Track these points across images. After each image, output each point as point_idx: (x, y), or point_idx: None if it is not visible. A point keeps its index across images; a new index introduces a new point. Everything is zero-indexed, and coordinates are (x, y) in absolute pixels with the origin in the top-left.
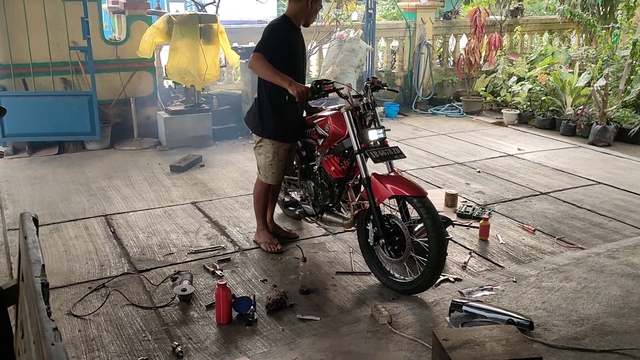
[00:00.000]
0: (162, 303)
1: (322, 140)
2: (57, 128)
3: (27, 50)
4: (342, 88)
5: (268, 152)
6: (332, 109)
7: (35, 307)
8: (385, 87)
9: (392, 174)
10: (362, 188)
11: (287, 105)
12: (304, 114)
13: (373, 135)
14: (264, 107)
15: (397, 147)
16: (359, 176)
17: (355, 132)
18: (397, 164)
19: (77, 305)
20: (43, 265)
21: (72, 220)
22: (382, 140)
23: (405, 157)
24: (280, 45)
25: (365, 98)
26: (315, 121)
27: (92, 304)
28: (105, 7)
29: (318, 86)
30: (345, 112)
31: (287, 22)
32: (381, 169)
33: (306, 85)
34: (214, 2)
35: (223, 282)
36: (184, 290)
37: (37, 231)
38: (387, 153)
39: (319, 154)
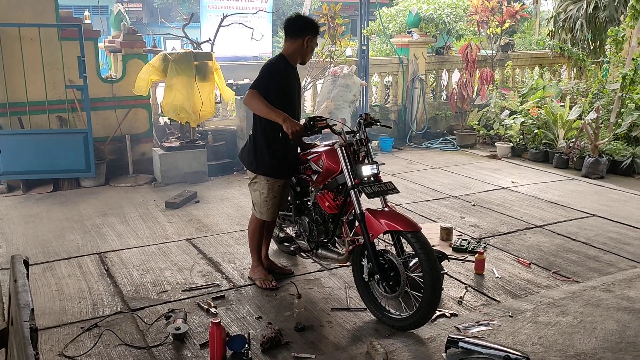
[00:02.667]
0: (155, 342)
1: (316, 176)
2: (52, 165)
3: (24, 89)
4: (335, 124)
5: (263, 189)
6: (325, 145)
7: (24, 353)
8: (378, 123)
9: (386, 209)
10: (357, 223)
11: (282, 141)
12: (298, 150)
13: (367, 170)
14: (259, 144)
15: (390, 182)
16: (353, 211)
17: (349, 167)
18: (392, 197)
19: (69, 345)
20: (32, 310)
21: (65, 259)
22: (376, 176)
23: (399, 192)
24: (277, 84)
25: (358, 134)
26: (309, 157)
27: (85, 344)
28: (102, 46)
29: (312, 123)
30: (338, 148)
31: (283, 61)
32: (376, 203)
33: (300, 121)
34: (209, 40)
35: (217, 321)
36: (178, 329)
37: (28, 274)
38: (381, 188)
39: (313, 189)
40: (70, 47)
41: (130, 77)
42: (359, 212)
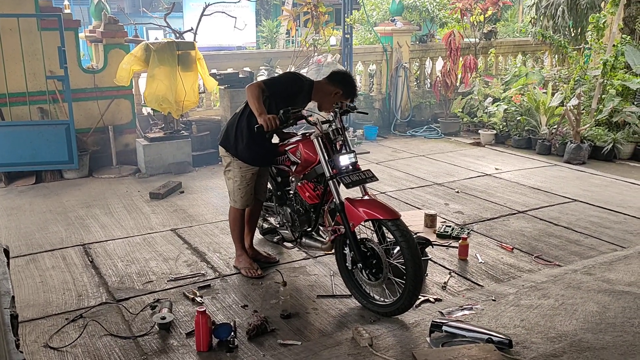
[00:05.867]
0: (141, 332)
1: (295, 166)
2: (35, 157)
3: (4, 80)
4: (310, 115)
5: (236, 176)
6: (302, 135)
7: (4, 339)
8: (354, 110)
9: (365, 197)
10: (337, 213)
11: (258, 133)
12: (277, 141)
13: (344, 160)
14: (240, 126)
15: (369, 170)
16: (334, 200)
17: (326, 158)
18: (377, 185)
19: (53, 337)
20: (13, 297)
21: (49, 251)
22: (354, 165)
23: (377, 179)
24: (286, 94)
25: (334, 123)
26: (287, 148)
27: (70, 335)
28: (83, 36)
29: (287, 115)
30: (314, 139)
31: (308, 87)
32: (357, 192)
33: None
34: (192, 29)
35: (202, 309)
36: (164, 318)
37: (8, 262)
38: (359, 177)
39: (293, 179)
40: (50, 37)
41: (112, 67)
42: (338, 201)
